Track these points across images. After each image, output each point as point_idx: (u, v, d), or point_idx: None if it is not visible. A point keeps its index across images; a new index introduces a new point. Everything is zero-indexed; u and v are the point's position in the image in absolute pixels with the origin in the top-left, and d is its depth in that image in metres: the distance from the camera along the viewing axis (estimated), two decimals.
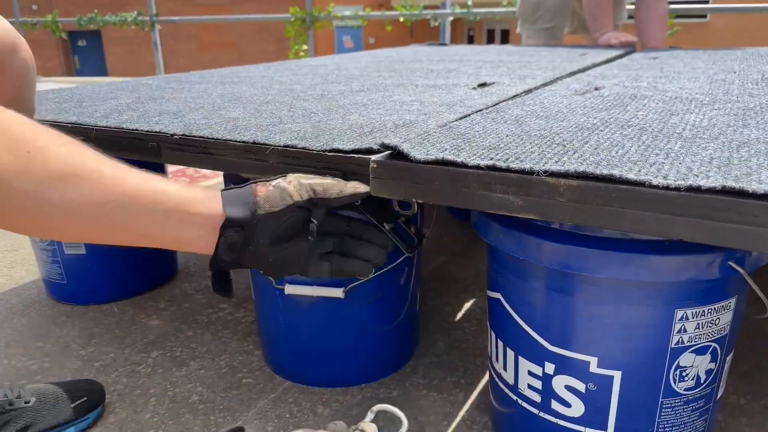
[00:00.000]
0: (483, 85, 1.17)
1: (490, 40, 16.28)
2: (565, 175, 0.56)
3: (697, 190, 0.50)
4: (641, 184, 0.52)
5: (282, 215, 0.61)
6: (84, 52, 14.50)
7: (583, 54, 1.69)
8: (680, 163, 0.57)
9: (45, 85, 3.78)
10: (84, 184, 0.51)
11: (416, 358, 1.07)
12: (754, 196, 0.48)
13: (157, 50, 4.43)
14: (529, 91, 1.08)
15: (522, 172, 0.58)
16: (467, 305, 1.25)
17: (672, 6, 2.76)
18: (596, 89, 1.05)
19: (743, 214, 0.48)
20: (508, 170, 0.59)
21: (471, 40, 16.11)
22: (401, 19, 3.19)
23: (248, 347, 1.12)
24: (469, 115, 0.87)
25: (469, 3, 3.03)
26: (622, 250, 0.59)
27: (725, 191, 0.49)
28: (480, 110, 0.90)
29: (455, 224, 1.75)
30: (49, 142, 0.50)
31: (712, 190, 0.50)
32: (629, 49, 1.86)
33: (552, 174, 0.56)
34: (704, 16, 9.84)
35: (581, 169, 0.55)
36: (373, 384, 1.00)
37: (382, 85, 1.23)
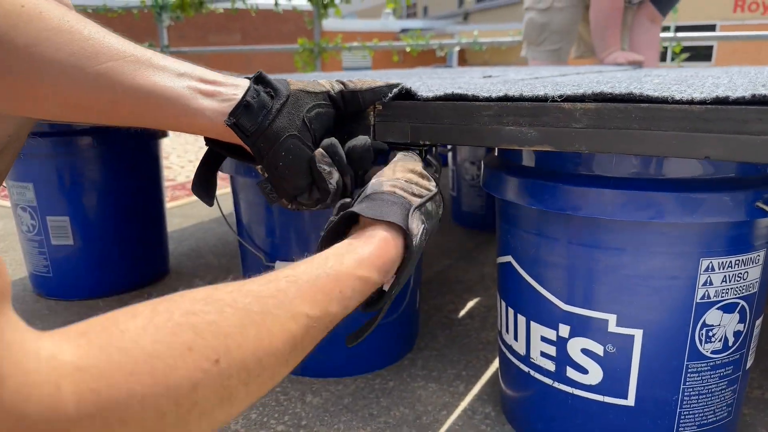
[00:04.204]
0: (489, 76, 1.15)
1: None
2: (582, 98, 0.52)
3: (725, 101, 0.46)
4: (663, 100, 0.48)
5: (314, 97, 0.55)
6: None
7: (591, 68, 1.69)
8: (702, 88, 0.53)
9: None
10: (83, 38, 0.45)
11: (415, 352, 1.00)
12: None
13: None
14: (538, 78, 1.06)
15: (536, 99, 0.54)
16: (470, 304, 1.19)
17: (680, 35, 2.79)
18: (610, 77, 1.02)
19: None
20: (521, 99, 0.55)
21: None
22: (408, 50, 3.23)
23: None
24: (477, 85, 0.84)
25: (476, 33, 3.07)
26: (640, 188, 0.55)
27: (756, 101, 0.45)
28: (489, 84, 0.88)
29: (460, 231, 1.70)
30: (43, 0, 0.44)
31: (740, 101, 0.45)
32: (636, 66, 1.86)
33: (568, 99, 0.52)
34: (710, 59, 10.03)
35: (598, 90, 0.51)
36: (368, 375, 0.93)
37: (384, 77, 1.21)
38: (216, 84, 0.51)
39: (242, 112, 0.51)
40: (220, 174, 0.68)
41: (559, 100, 0.53)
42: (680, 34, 2.75)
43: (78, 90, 0.46)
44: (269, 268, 0.88)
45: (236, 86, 0.52)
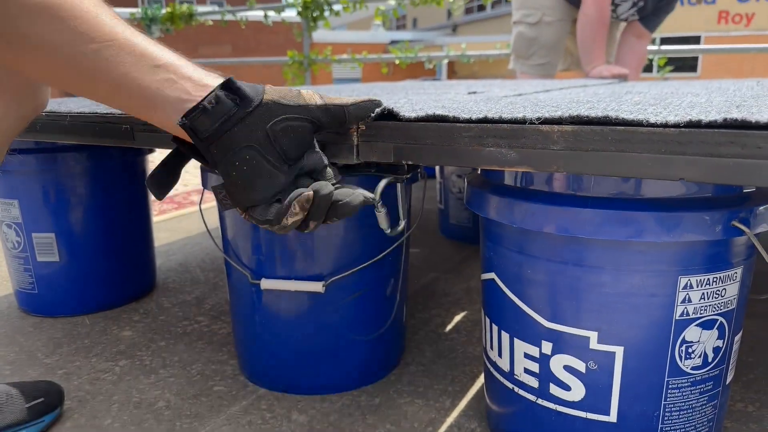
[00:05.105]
0: (473, 92, 1.17)
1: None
2: (559, 121, 0.53)
3: (698, 125, 0.47)
4: (638, 123, 0.49)
5: (287, 109, 0.53)
6: None
7: (575, 82, 1.71)
8: (678, 109, 0.54)
9: None
10: (74, 17, 0.47)
11: (401, 367, 1.00)
12: (758, 126, 0.45)
13: None
14: (521, 94, 1.07)
15: (515, 122, 0.55)
16: (457, 318, 1.19)
17: (664, 48, 2.83)
18: (593, 93, 1.04)
19: (747, 147, 0.45)
20: (501, 121, 0.56)
21: None
22: (397, 62, 3.26)
23: (223, 357, 1.05)
24: (462, 103, 0.85)
25: (464, 46, 3.10)
26: (621, 208, 0.56)
27: (727, 124, 0.46)
28: (472, 101, 0.89)
29: (446, 244, 1.71)
30: None
31: (713, 125, 0.46)
32: (621, 80, 1.88)
33: (546, 121, 0.53)
34: (695, 70, 10.20)
35: (575, 113, 0.52)
36: (354, 391, 0.93)
37: (371, 93, 1.22)
38: (187, 80, 0.51)
39: (198, 115, 0.50)
40: (205, 197, 0.68)
41: (537, 122, 0.53)
42: (664, 47, 2.80)
43: (61, 65, 0.49)
44: (255, 285, 0.88)
45: (204, 87, 0.51)
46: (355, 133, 0.64)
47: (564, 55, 2.22)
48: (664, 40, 2.88)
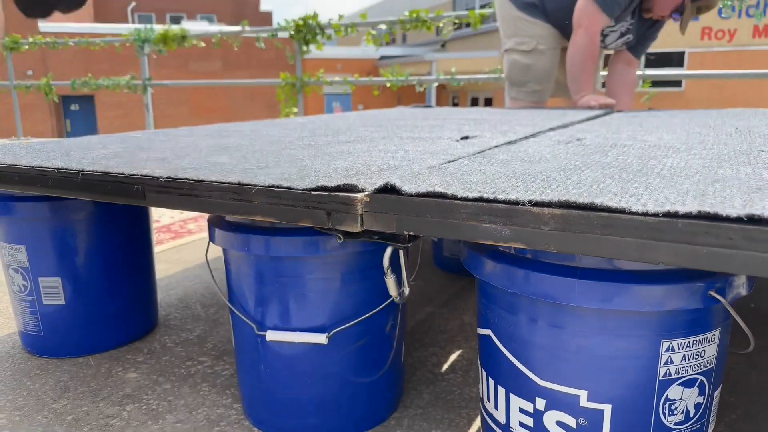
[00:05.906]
0: (465, 138, 1.21)
1: (474, 107, 16.90)
2: (549, 204, 0.58)
3: (675, 215, 0.52)
4: (621, 211, 0.54)
5: None
6: (76, 116, 14.71)
7: (563, 114, 1.76)
8: (659, 194, 0.59)
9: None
10: None
11: (401, 410, 1.04)
12: (728, 219, 0.50)
13: (149, 113, 4.51)
14: (512, 142, 1.12)
15: (508, 202, 0.60)
16: (453, 356, 1.24)
17: (648, 72, 2.92)
18: (578, 140, 1.09)
19: (719, 237, 0.50)
20: (495, 201, 0.60)
21: (455, 107, 16.81)
22: (388, 85, 3.32)
23: (227, 401, 1.09)
24: (456, 160, 0.89)
25: (453, 70, 3.17)
26: (608, 280, 0.60)
27: (701, 216, 0.51)
28: (465, 156, 0.93)
29: (441, 276, 1.75)
30: None
31: (688, 216, 0.51)
32: (608, 110, 1.94)
33: (537, 204, 0.58)
34: (680, 85, 10.40)
35: (564, 198, 0.57)
36: None
37: (368, 138, 1.27)
38: None
39: None
40: (202, 225, 0.70)
41: (528, 205, 0.58)
42: (648, 72, 2.89)
43: None
44: (261, 336, 0.92)
45: None
46: (360, 204, 0.68)
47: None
48: (649, 54, 2.96)
